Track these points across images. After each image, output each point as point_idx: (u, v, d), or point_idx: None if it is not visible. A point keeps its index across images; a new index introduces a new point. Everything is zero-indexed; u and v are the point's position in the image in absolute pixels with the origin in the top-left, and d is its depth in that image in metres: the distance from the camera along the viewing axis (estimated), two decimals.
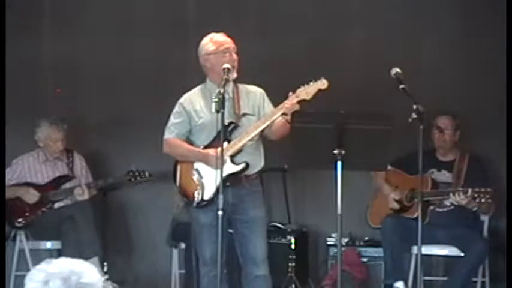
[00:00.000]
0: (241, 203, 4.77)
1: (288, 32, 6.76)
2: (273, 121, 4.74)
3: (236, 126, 4.80)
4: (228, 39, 4.87)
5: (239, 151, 4.77)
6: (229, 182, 4.60)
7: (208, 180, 4.78)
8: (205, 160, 4.76)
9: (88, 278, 2.30)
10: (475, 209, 5.71)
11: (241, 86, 4.93)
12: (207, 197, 4.78)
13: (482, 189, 5.52)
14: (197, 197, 4.80)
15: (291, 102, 4.65)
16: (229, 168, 4.66)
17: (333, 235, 6.27)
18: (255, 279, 4.79)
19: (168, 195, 6.02)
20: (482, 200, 5.52)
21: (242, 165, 4.77)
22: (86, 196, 6.23)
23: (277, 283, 5.71)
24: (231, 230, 4.89)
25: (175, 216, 6.09)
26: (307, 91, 4.68)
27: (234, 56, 4.81)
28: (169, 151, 4.94)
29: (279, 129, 4.77)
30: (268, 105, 4.88)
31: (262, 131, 4.79)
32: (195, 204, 4.83)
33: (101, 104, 6.96)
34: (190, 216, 5.04)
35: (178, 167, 4.93)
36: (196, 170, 4.83)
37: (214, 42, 4.87)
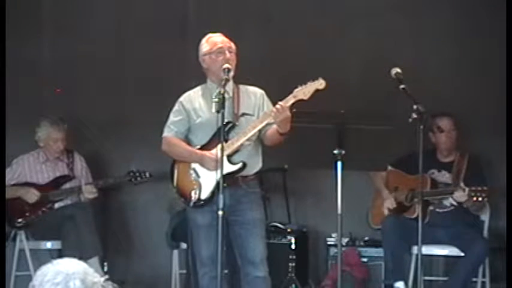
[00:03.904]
0: (238, 204, 4.76)
1: (288, 32, 6.76)
2: (269, 123, 4.73)
3: (234, 126, 4.79)
4: (224, 39, 4.86)
5: (236, 151, 4.76)
6: (226, 182, 4.56)
7: (205, 179, 4.78)
8: (202, 161, 4.76)
9: (97, 278, 2.33)
10: (470, 204, 5.72)
11: (241, 87, 4.93)
12: (204, 196, 4.78)
13: (479, 188, 5.54)
14: (194, 196, 4.80)
15: (286, 102, 4.65)
16: (226, 167, 4.63)
17: (333, 235, 6.27)
18: (254, 280, 4.78)
19: (168, 196, 6.04)
20: (479, 199, 5.54)
21: (239, 165, 4.75)
22: (95, 194, 6.25)
23: (277, 283, 5.72)
24: None
25: (172, 207, 6.12)
26: (304, 91, 4.67)
27: (228, 55, 4.79)
28: (167, 149, 4.94)
29: (271, 137, 4.77)
30: (268, 106, 4.86)
31: (260, 131, 4.79)
32: (191, 204, 4.82)
33: (101, 104, 6.96)
34: (187, 211, 5.04)
35: (176, 166, 4.94)
36: (194, 169, 4.83)
37: (209, 42, 4.87)
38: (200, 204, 4.80)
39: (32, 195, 6.27)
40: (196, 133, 4.89)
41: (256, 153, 4.89)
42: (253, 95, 4.92)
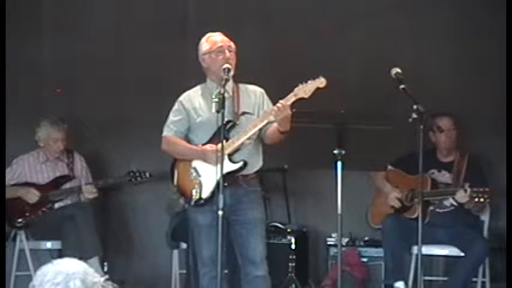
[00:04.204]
0: (239, 203, 4.76)
1: (288, 32, 6.76)
2: (269, 122, 4.74)
3: (234, 125, 4.79)
4: (224, 38, 4.86)
5: (237, 150, 4.77)
6: (227, 181, 4.57)
7: (206, 178, 4.78)
8: (203, 157, 4.76)
9: (97, 278, 2.33)
10: (471, 205, 5.72)
11: (241, 85, 4.93)
12: (205, 195, 4.77)
13: (481, 189, 5.54)
14: (195, 195, 4.80)
15: (287, 100, 4.65)
16: (227, 166, 4.64)
17: (333, 235, 6.27)
18: (254, 279, 4.79)
19: (167, 196, 6.04)
20: (481, 200, 5.54)
21: (240, 164, 4.76)
22: (95, 194, 6.25)
23: (277, 283, 5.72)
24: None
25: (171, 208, 6.13)
26: (305, 89, 4.68)
27: (228, 54, 4.79)
28: (167, 148, 4.94)
29: (271, 135, 4.78)
30: (267, 105, 4.87)
31: (260, 130, 4.80)
32: (192, 203, 4.82)
33: (101, 104, 6.96)
34: (186, 212, 5.04)
35: (176, 166, 4.94)
36: (194, 168, 4.83)
37: (209, 41, 4.88)
38: (201, 203, 4.80)
39: (33, 196, 6.27)
40: (196, 132, 4.89)
41: (257, 152, 4.89)
42: (253, 94, 4.92)
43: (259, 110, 4.86)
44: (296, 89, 4.69)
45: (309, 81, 4.70)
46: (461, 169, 5.97)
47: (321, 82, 4.70)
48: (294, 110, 4.62)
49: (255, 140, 4.85)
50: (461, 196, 5.64)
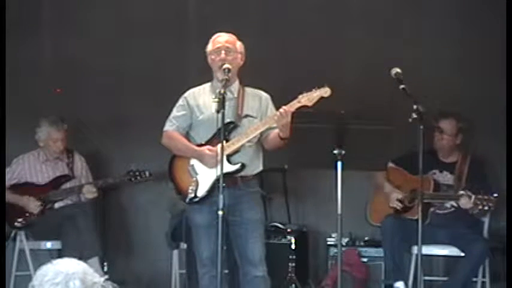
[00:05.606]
0: (238, 204, 4.76)
1: (288, 32, 6.76)
2: (270, 127, 4.74)
3: (235, 127, 4.80)
4: (227, 39, 4.86)
5: (236, 151, 4.77)
6: (225, 182, 4.56)
7: (203, 177, 4.79)
8: (200, 158, 4.78)
9: (97, 278, 2.34)
10: (475, 211, 5.71)
11: (247, 89, 4.94)
12: (200, 193, 4.78)
13: (485, 197, 5.52)
14: (190, 192, 4.80)
15: (291, 107, 4.65)
16: (225, 167, 4.63)
17: (333, 235, 6.27)
18: (253, 279, 4.79)
19: (168, 195, 6.03)
20: (485, 208, 5.52)
21: (237, 166, 4.76)
22: (95, 194, 6.24)
23: (277, 283, 5.72)
24: None
25: (174, 207, 6.13)
26: (309, 97, 4.69)
27: (224, 55, 4.80)
28: (167, 143, 4.95)
29: (272, 141, 4.79)
30: (271, 111, 4.88)
31: (261, 134, 4.80)
32: (187, 200, 4.83)
33: (101, 104, 6.96)
34: (186, 211, 5.05)
35: (174, 162, 4.94)
36: (192, 166, 4.84)
37: (212, 42, 4.90)
38: (196, 201, 4.80)
39: (34, 207, 6.26)
40: (197, 130, 4.89)
41: (257, 156, 4.90)
42: (258, 99, 4.93)
43: (263, 115, 4.87)
44: (300, 96, 4.71)
45: (314, 90, 4.71)
46: (463, 170, 5.96)
47: (325, 91, 4.71)
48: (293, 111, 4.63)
49: (255, 143, 4.85)
50: (465, 202, 5.62)
